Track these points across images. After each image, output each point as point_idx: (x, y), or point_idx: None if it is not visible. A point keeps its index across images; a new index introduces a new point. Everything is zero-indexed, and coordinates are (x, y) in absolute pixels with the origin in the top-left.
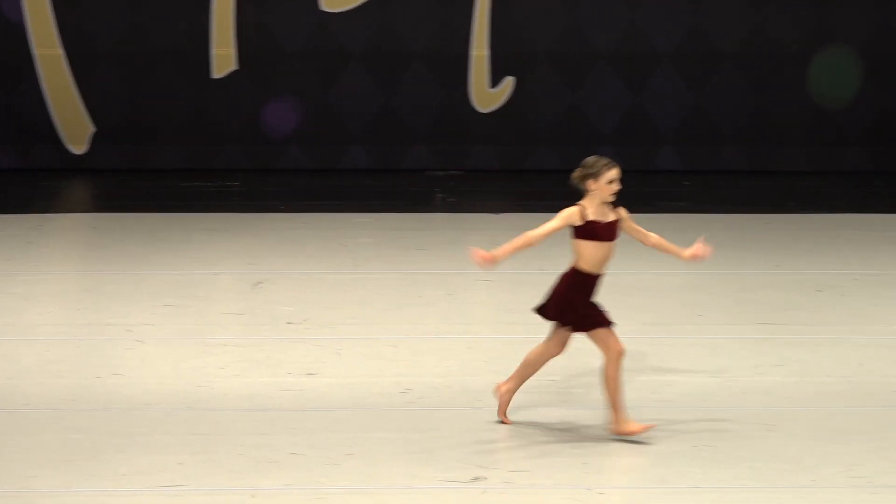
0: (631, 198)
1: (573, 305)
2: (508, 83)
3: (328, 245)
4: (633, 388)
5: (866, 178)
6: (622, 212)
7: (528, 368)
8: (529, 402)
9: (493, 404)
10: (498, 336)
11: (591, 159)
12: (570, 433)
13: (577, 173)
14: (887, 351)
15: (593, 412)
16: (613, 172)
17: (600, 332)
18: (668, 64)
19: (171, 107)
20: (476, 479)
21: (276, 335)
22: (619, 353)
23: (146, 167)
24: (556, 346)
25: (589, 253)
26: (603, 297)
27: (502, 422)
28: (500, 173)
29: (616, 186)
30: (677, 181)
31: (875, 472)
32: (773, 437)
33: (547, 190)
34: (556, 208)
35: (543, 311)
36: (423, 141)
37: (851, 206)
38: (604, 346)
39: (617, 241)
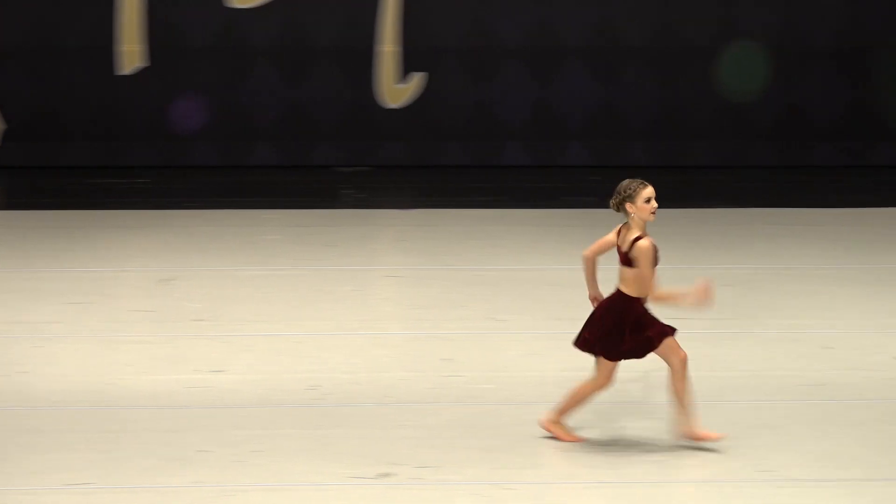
0: (539, 193)
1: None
2: (417, 79)
3: (236, 241)
4: (542, 382)
5: (774, 173)
6: None
7: (573, 401)
8: (435, 398)
9: (402, 398)
10: (406, 332)
11: (623, 183)
12: (477, 429)
13: (613, 201)
14: (794, 345)
15: (500, 408)
16: (649, 191)
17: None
18: (577, 59)
19: (79, 104)
20: (383, 475)
21: (184, 332)
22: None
23: (55, 164)
24: (604, 379)
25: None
26: (509, 291)
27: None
28: (409, 169)
29: (655, 204)
30: (585, 176)
31: (781, 465)
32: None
33: (455, 185)
34: (465, 204)
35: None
36: (331, 137)
37: (759, 200)
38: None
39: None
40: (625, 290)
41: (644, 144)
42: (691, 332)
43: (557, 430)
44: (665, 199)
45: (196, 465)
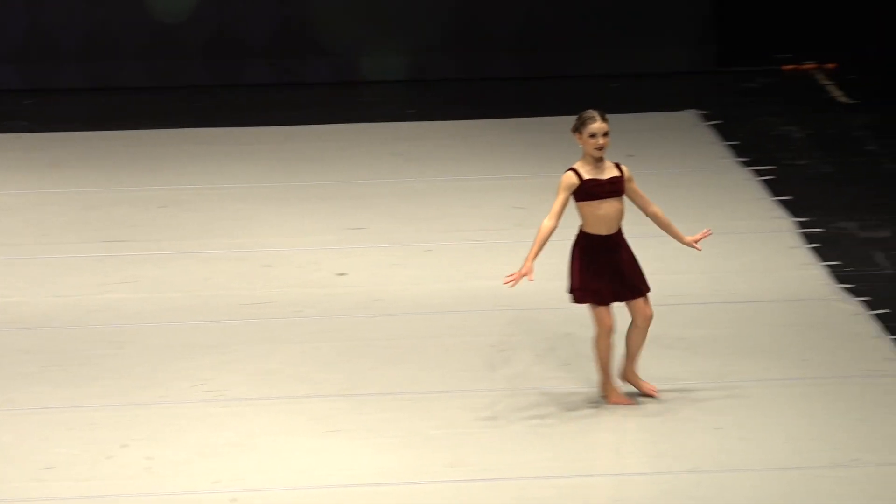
0: None
1: (579, 272)
2: None
3: None
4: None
5: (207, 92)
6: (625, 170)
7: (602, 359)
8: None
9: None
10: None
11: (584, 112)
12: None
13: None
14: (230, 264)
15: None
16: (595, 126)
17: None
18: None
19: None
20: None
21: None
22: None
23: None
24: (607, 328)
25: (590, 213)
26: None
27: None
28: None
29: (600, 140)
30: (20, 100)
31: (224, 385)
32: (124, 354)
33: None
34: None
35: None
36: None
37: (192, 120)
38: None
39: (622, 199)
40: (584, 228)
41: (77, 66)
42: (129, 255)
43: (615, 397)
44: (97, 121)
45: None
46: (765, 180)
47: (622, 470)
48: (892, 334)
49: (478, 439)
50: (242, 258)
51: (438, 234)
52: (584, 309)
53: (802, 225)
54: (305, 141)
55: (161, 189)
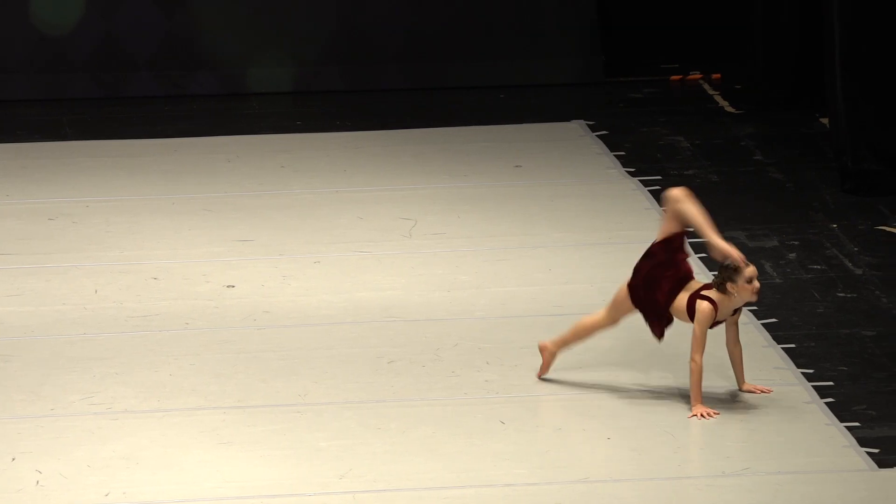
0: None
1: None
2: None
3: None
4: None
5: (93, 104)
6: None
7: (577, 335)
8: None
9: None
10: None
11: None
12: None
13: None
14: (120, 276)
15: None
16: (750, 270)
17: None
18: None
19: None
20: None
21: None
22: None
23: None
24: (611, 321)
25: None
26: None
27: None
28: None
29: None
30: None
31: (113, 397)
32: (11, 367)
33: None
34: None
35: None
36: None
37: (78, 132)
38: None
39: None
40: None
41: None
42: (17, 268)
43: (547, 358)
44: None
45: None
46: (652, 190)
47: (513, 480)
48: (781, 343)
49: (368, 450)
50: (130, 270)
51: (326, 246)
52: (472, 320)
53: (690, 235)
54: (192, 153)
55: (49, 202)
